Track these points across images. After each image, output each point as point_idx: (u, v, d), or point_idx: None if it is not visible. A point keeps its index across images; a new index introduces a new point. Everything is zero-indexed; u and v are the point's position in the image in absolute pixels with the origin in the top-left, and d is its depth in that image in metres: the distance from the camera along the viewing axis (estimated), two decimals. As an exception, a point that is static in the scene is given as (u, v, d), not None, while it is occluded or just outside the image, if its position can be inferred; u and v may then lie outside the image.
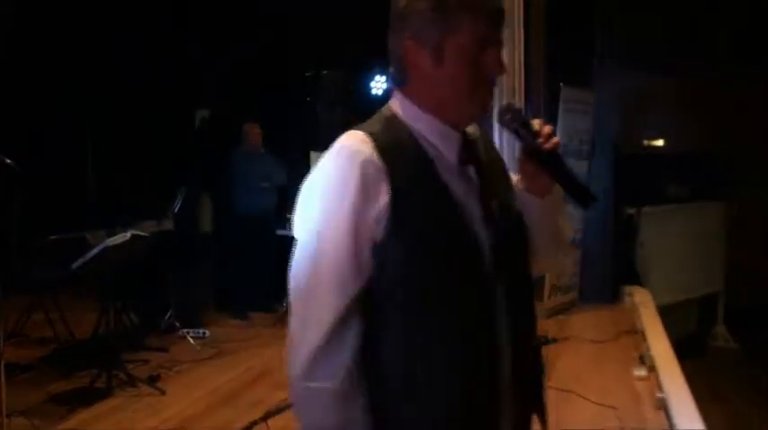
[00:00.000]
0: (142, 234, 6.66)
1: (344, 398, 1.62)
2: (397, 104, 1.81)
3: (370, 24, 8.35)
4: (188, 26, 9.23)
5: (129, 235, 6.43)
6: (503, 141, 7.75)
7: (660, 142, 8.44)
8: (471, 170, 1.82)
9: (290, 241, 6.75)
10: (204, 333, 8.06)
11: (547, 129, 1.83)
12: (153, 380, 6.44)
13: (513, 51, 9.40)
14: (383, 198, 1.63)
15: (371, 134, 1.71)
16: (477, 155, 1.86)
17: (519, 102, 8.90)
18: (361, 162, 1.64)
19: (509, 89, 9.21)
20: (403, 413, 1.68)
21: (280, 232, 9.17)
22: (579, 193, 1.82)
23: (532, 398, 1.92)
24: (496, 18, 1.77)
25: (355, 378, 1.63)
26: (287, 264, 6.13)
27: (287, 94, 8.86)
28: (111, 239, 6.32)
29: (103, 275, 6.83)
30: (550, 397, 6.50)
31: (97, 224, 7.39)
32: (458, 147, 1.80)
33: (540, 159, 1.84)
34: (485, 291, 1.73)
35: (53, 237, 7.17)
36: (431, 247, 1.66)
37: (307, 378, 1.62)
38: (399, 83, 1.83)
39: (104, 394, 6.08)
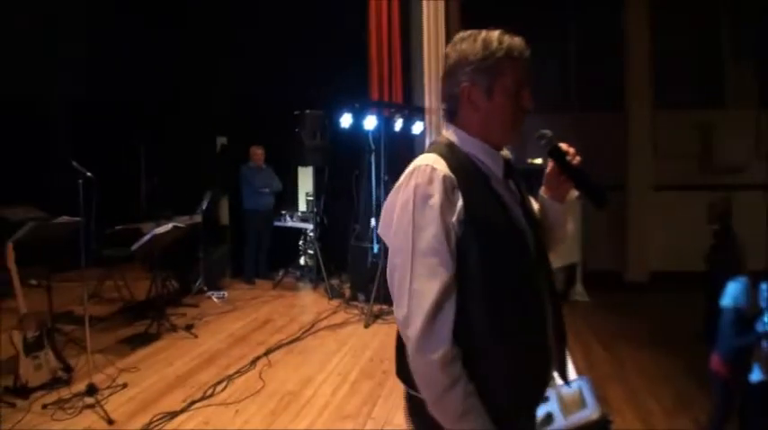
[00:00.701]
0: (180, 225, 6.80)
1: (452, 360, 1.61)
2: (451, 134, 1.83)
3: (339, 78, 8.76)
4: (213, 77, 9.32)
5: (170, 226, 6.61)
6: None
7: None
8: (512, 182, 1.86)
9: (282, 230, 7.22)
10: (224, 294, 8.27)
11: (572, 150, 1.87)
12: (189, 328, 6.69)
13: (439, 98, 9.66)
14: (459, 203, 1.66)
15: (442, 155, 1.73)
16: (513, 170, 1.89)
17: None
18: (442, 176, 1.66)
19: (437, 126, 9.38)
20: (491, 355, 1.67)
21: (276, 224, 9.33)
22: (597, 197, 1.80)
23: (564, 348, 1.94)
24: (528, 65, 1.80)
25: (454, 342, 1.62)
26: (280, 245, 6.69)
27: (282, 126, 8.93)
28: (158, 229, 6.46)
29: (153, 254, 6.90)
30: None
31: (147, 218, 7.47)
32: (503, 165, 1.84)
33: (569, 172, 1.87)
34: (532, 270, 1.77)
35: (118, 227, 7.20)
36: (496, 241, 1.69)
37: (422, 350, 1.61)
38: (451, 117, 1.85)
39: (155, 337, 6.34)
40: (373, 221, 8.35)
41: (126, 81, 9.22)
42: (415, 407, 1.81)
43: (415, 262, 1.64)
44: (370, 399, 4.97)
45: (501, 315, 1.68)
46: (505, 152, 1.89)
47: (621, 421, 4.57)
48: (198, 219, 8.15)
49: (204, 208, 8.37)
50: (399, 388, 5.15)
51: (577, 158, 1.85)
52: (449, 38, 9.37)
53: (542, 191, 2.01)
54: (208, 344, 6.32)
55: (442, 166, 1.69)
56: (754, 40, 13.21)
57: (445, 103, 1.86)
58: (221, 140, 10.01)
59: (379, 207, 8.22)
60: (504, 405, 1.69)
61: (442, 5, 9.27)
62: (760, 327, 4.32)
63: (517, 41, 1.78)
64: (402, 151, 9.50)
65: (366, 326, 7.05)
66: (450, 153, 1.75)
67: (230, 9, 9.31)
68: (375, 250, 8.23)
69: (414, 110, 9.09)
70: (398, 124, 8.53)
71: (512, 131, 1.81)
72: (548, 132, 1.88)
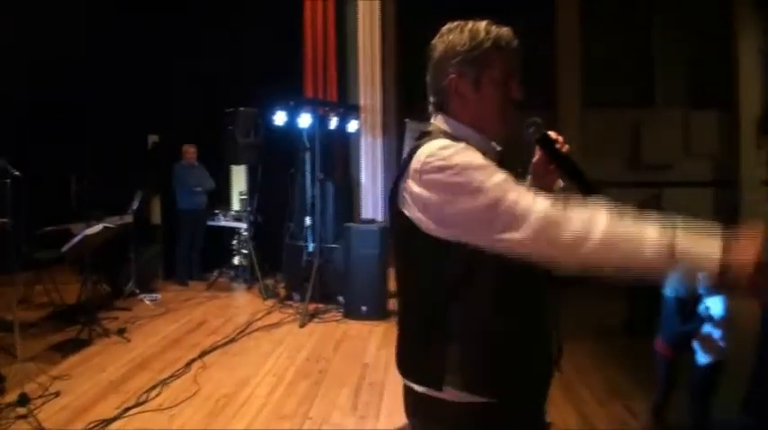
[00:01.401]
0: (110, 225, 6.70)
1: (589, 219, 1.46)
2: (441, 122, 1.79)
3: (273, 76, 8.81)
4: (144, 74, 9.15)
5: (101, 226, 6.52)
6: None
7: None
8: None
9: (215, 229, 7.28)
10: (156, 296, 8.19)
11: (561, 138, 1.85)
12: (121, 332, 6.57)
13: (374, 96, 9.77)
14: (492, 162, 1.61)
15: (451, 138, 1.68)
16: (504, 159, 1.82)
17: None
18: (466, 147, 1.62)
19: (372, 124, 9.61)
20: (505, 336, 1.67)
21: (209, 223, 9.35)
22: (586, 185, 1.78)
23: (559, 334, 1.91)
24: (516, 56, 1.78)
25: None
26: (214, 245, 6.73)
27: (215, 124, 8.91)
28: (89, 230, 6.36)
29: (84, 256, 6.79)
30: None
31: (78, 218, 7.26)
32: (497, 153, 1.80)
33: (558, 160, 1.84)
34: None
35: (47, 228, 7.07)
36: None
37: (570, 240, 1.45)
38: (440, 108, 1.81)
39: (87, 343, 6.22)
40: (308, 220, 8.39)
41: (54, 78, 9.03)
42: (418, 403, 1.79)
43: (503, 195, 1.52)
44: (307, 399, 5.06)
45: (514, 295, 1.68)
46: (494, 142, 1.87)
47: (556, 411, 4.73)
48: (129, 219, 8.02)
49: (135, 207, 8.25)
50: (336, 386, 5.27)
51: (566, 147, 1.84)
52: (384, 37, 9.60)
53: (529, 181, 1.96)
54: (141, 348, 6.27)
55: (459, 143, 1.64)
56: (684, 41, 13.82)
57: (432, 96, 1.83)
58: (153, 138, 9.93)
59: (314, 205, 8.29)
60: (518, 381, 1.71)
61: (377, 5, 9.42)
62: (702, 312, 4.63)
63: (505, 31, 1.77)
64: (337, 149, 9.63)
65: (301, 326, 7.12)
66: (453, 139, 1.68)
67: (163, 5, 9.21)
68: (310, 249, 8.31)
69: (349, 108, 9.21)
70: (333, 122, 8.62)
71: (501, 123, 1.79)
72: (537, 120, 1.86)
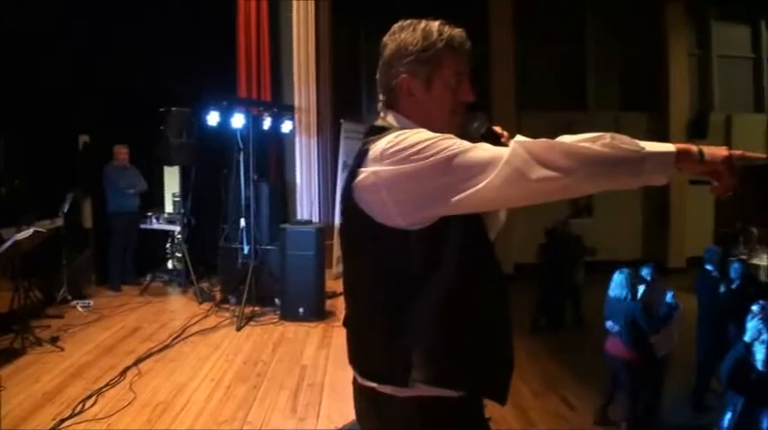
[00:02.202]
0: (41, 230, 6.63)
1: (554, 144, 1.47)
2: (392, 119, 1.78)
3: (206, 76, 8.79)
4: (75, 73, 8.99)
5: (31, 230, 6.44)
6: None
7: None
8: None
9: (148, 232, 7.22)
10: (89, 303, 8.05)
11: (506, 133, 1.89)
12: (54, 340, 6.51)
13: (308, 97, 9.89)
14: None
15: None
16: None
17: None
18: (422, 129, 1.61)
19: (306, 125, 9.74)
20: (467, 323, 1.68)
21: (142, 226, 9.29)
22: None
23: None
24: (468, 57, 1.78)
25: None
26: (147, 249, 6.70)
27: (147, 124, 8.82)
28: (19, 235, 6.27)
29: (14, 262, 6.71)
30: (341, 333, 7.20)
31: (7, 223, 7.09)
32: None
33: None
34: (492, 249, 1.79)
35: None
36: (471, 216, 1.64)
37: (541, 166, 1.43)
38: (391, 106, 1.80)
39: (20, 353, 6.15)
40: (243, 222, 8.41)
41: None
42: (378, 404, 1.77)
43: (465, 150, 1.51)
44: (246, 403, 5.14)
45: (476, 288, 1.69)
46: None
47: (492, 405, 4.99)
48: (60, 222, 7.94)
49: (66, 210, 8.11)
50: (275, 389, 5.37)
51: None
52: (318, 37, 9.71)
53: None
54: (75, 356, 6.20)
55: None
56: (616, 46, 14.36)
57: (383, 94, 1.82)
58: (84, 139, 9.78)
59: (248, 207, 8.33)
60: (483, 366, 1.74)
61: (311, 5, 9.54)
62: (663, 312, 4.99)
63: (458, 32, 1.76)
64: (271, 150, 9.71)
65: (238, 329, 7.19)
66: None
67: (95, 3, 9.06)
68: (245, 251, 8.36)
69: (283, 108, 9.30)
70: (267, 123, 8.68)
71: (451, 124, 1.77)
72: (481, 114, 1.88)
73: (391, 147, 1.56)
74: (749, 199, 14.80)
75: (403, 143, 1.55)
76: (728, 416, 4.55)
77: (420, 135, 1.56)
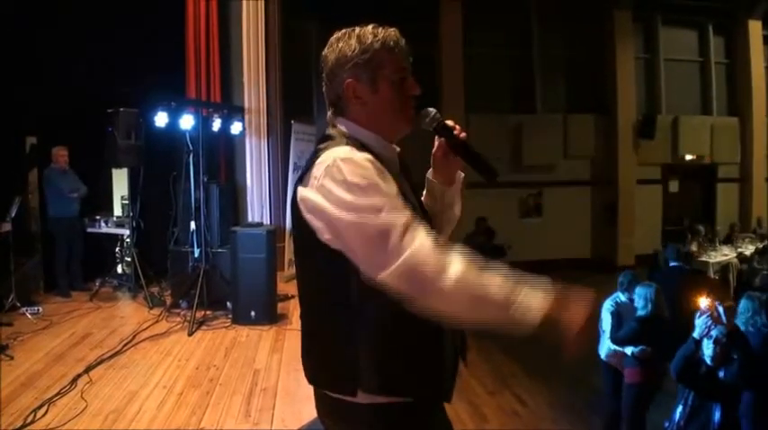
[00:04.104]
0: None
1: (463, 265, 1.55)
2: (343, 128, 1.84)
3: (154, 76, 8.78)
4: (21, 72, 8.87)
5: None
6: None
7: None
8: (402, 176, 1.88)
9: (96, 236, 7.20)
10: (38, 309, 7.97)
11: (458, 126, 1.93)
12: (3, 349, 6.43)
13: (259, 98, 9.96)
14: (392, 182, 1.70)
15: (355, 145, 1.74)
16: (406, 166, 1.96)
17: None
18: (369, 159, 1.69)
19: (257, 126, 9.82)
20: (413, 328, 1.70)
21: (90, 230, 9.22)
22: (486, 170, 1.87)
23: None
24: (406, 54, 1.86)
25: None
26: (95, 253, 6.69)
27: (94, 125, 8.78)
28: None
29: None
30: (294, 336, 6.88)
31: None
32: (397, 156, 1.92)
33: (457, 148, 1.92)
34: None
35: None
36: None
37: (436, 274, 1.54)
38: (340, 113, 1.87)
39: None
40: (193, 224, 8.44)
41: None
42: (333, 406, 1.84)
43: (388, 227, 1.60)
44: (199, 409, 5.21)
45: None
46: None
47: (449, 405, 5.19)
48: (7, 227, 7.86)
49: (13, 215, 8.00)
50: (228, 394, 5.51)
51: (463, 134, 1.92)
52: (268, 38, 9.81)
53: (430, 174, 2.07)
54: (25, 365, 6.15)
55: (361, 153, 1.71)
56: (564, 49, 14.78)
57: (331, 104, 1.91)
58: (31, 140, 9.67)
59: (198, 209, 8.38)
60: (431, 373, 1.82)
61: (261, 5, 9.63)
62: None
63: (391, 32, 1.85)
64: (221, 152, 9.80)
65: (190, 334, 7.24)
66: (356, 143, 1.77)
67: (38, 2, 8.98)
68: (196, 254, 8.41)
69: (233, 109, 9.38)
70: (217, 124, 8.71)
71: (403, 120, 1.87)
72: (431, 110, 1.94)
73: (333, 172, 1.65)
74: (694, 196, 15.50)
75: (345, 176, 1.64)
76: (680, 409, 4.78)
77: (363, 175, 1.64)
